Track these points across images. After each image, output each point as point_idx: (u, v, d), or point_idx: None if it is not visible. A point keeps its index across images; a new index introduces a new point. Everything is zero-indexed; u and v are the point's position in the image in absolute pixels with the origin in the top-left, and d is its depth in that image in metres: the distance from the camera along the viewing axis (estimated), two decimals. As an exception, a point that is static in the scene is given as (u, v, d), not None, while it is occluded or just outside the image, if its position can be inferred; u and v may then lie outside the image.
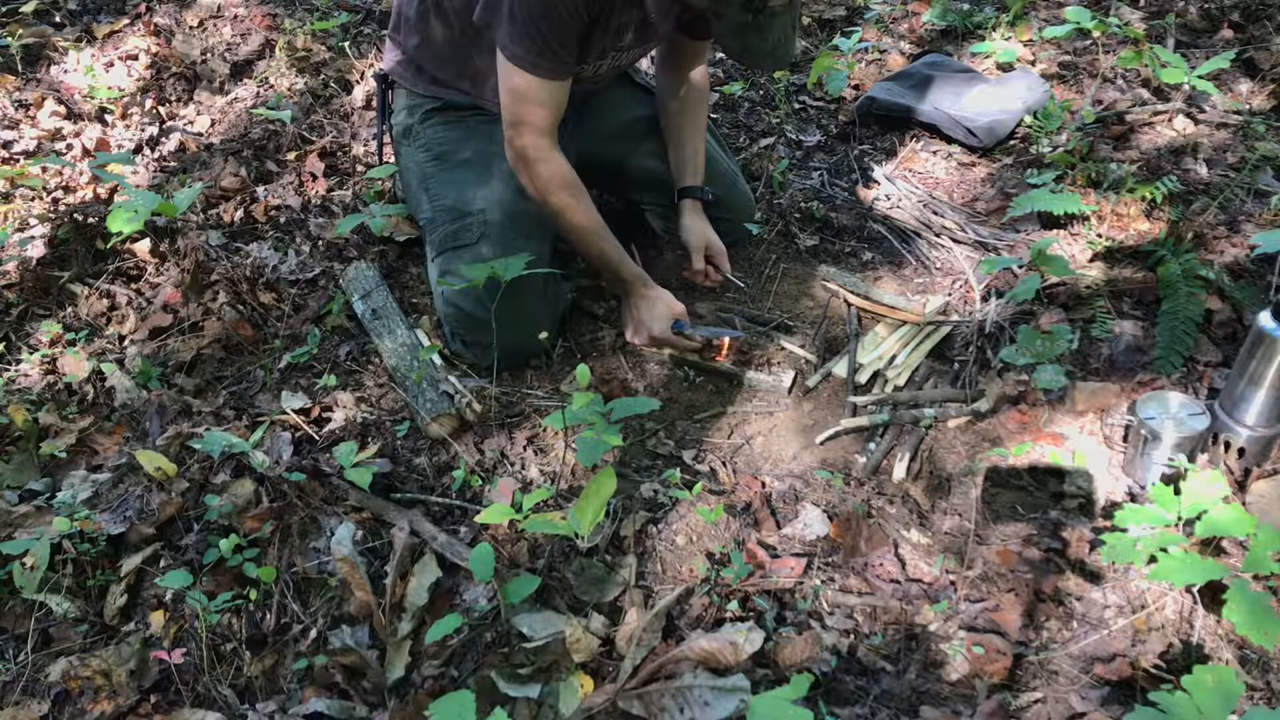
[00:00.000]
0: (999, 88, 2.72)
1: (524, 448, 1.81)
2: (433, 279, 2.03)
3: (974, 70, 2.86)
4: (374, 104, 2.90)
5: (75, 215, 2.28)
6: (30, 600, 1.53)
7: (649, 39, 2.00)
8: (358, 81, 2.99)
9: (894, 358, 1.99)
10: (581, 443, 1.43)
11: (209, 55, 3.10)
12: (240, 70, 3.06)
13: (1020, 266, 2.08)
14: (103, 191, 2.44)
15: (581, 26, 1.78)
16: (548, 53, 1.76)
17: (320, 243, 2.32)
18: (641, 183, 2.26)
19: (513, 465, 1.77)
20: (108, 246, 2.25)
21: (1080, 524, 1.60)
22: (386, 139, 2.26)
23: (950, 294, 2.17)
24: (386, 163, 2.32)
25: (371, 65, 3.05)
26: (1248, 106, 2.67)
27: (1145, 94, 2.75)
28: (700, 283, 2.17)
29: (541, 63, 1.77)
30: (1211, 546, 1.42)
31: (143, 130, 2.75)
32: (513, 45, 1.76)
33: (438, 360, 1.96)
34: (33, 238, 2.26)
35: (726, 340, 1.97)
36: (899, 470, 1.74)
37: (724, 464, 1.79)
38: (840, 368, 1.98)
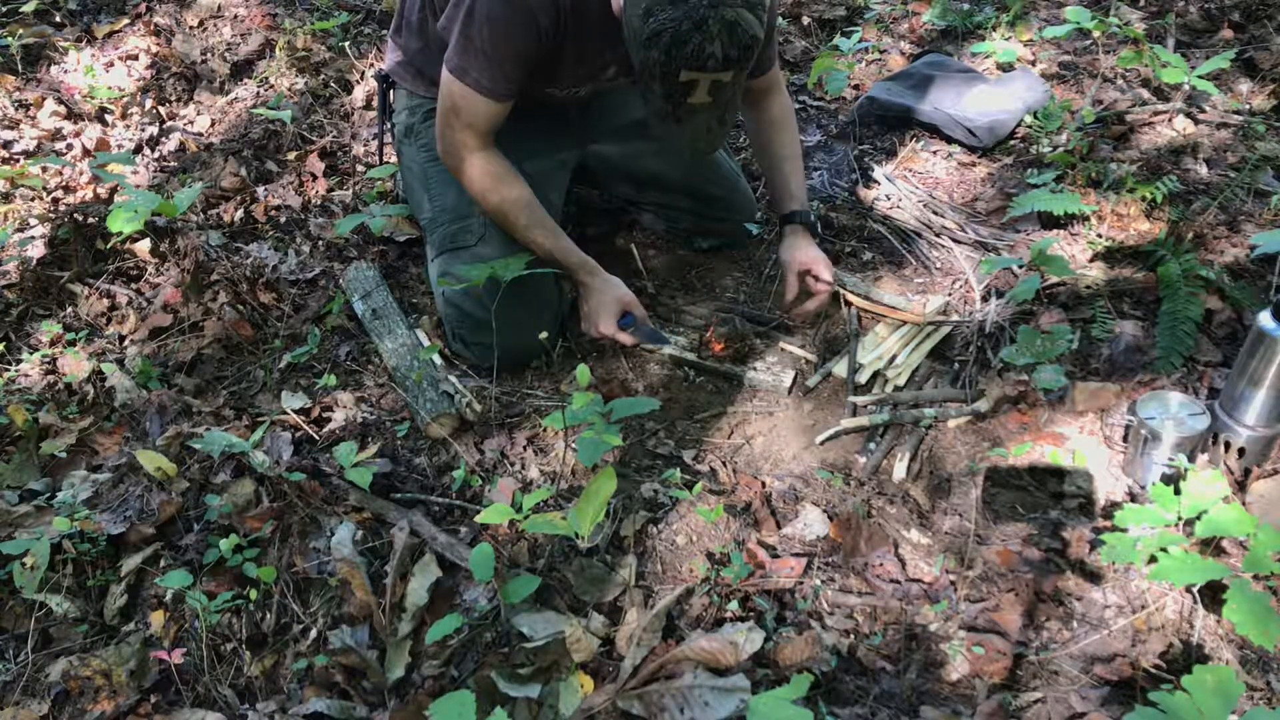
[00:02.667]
0: (999, 88, 2.72)
1: (524, 448, 1.81)
2: (433, 279, 2.03)
3: (974, 70, 2.85)
4: (374, 104, 2.91)
5: (75, 215, 2.28)
6: (30, 600, 1.53)
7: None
8: (358, 81, 2.99)
9: (894, 358, 1.99)
10: (581, 443, 1.43)
11: (209, 55, 3.10)
12: (240, 70, 3.06)
13: (1020, 266, 2.08)
14: (103, 191, 2.44)
15: (536, 56, 1.76)
16: (490, 75, 1.75)
17: (320, 243, 2.32)
18: (643, 183, 2.26)
19: (513, 465, 1.77)
20: (108, 246, 2.25)
21: (1080, 524, 1.60)
22: (387, 139, 2.26)
23: (950, 294, 2.17)
24: (387, 163, 2.33)
25: (372, 65, 3.05)
26: (1248, 106, 2.67)
27: (1145, 94, 2.75)
28: (802, 308, 2.03)
29: (483, 82, 1.75)
30: (1211, 546, 1.42)
31: (143, 130, 2.75)
32: (458, 59, 1.75)
33: (438, 360, 1.96)
34: (33, 238, 2.26)
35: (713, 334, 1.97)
36: (899, 470, 1.74)
37: (724, 464, 1.79)
38: (840, 368, 1.98)
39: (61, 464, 1.80)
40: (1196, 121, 2.60)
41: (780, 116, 2.11)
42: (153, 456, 1.69)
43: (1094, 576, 1.51)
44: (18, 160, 2.57)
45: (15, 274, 2.19)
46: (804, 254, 2.02)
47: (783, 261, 2.06)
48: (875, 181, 2.56)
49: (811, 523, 1.63)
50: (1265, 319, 1.54)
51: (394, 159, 2.26)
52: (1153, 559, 1.36)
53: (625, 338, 1.91)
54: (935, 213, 2.43)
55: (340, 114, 2.86)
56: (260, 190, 2.51)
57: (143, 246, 2.26)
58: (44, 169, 2.47)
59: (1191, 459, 1.59)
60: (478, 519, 1.46)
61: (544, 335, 1.79)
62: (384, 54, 2.28)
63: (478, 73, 1.75)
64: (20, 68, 2.92)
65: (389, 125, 2.21)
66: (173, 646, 1.46)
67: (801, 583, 1.52)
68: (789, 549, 1.59)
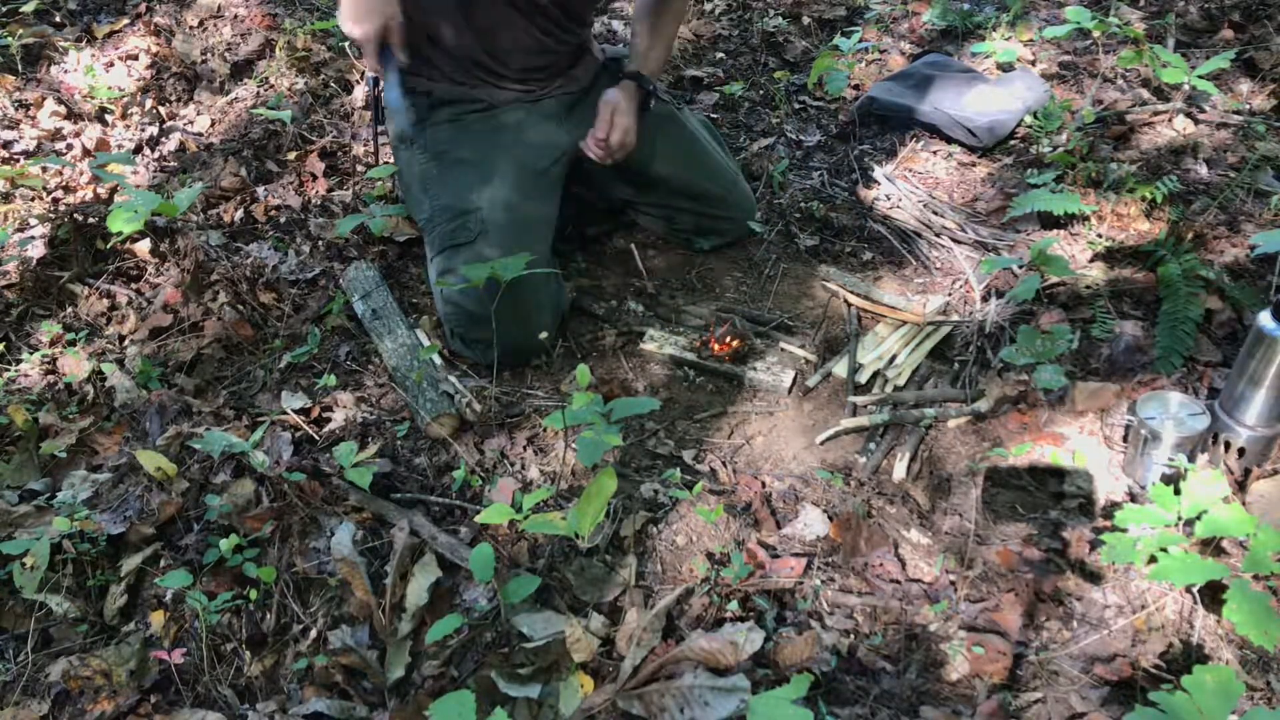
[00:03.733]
0: (999, 88, 2.72)
1: (524, 448, 1.81)
2: (432, 278, 2.03)
3: (974, 70, 2.86)
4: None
5: (75, 215, 2.28)
6: (30, 600, 1.53)
7: None
8: (358, 81, 2.99)
9: (894, 358, 1.99)
10: (581, 443, 1.43)
11: (209, 55, 3.10)
12: (240, 70, 3.06)
13: (1020, 266, 2.08)
14: (103, 191, 2.44)
15: None
16: None
17: (320, 243, 2.32)
18: (641, 184, 2.26)
19: (513, 465, 1.77)
20: (108, 246, 2.25)
21: (1080, 524, 1.60)
22: (382, 140, 2.26)
23: (950, 294, 2.17)
24: (386, 164, 2.32)
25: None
26: (1248, 106, 2.67)
27: (1145, 94, 2.75)
28: (596, 154, 2.08)
29: None
30: (1211, 546, 1.42)
31: (143, 130, 2.75)
32: None
33: (438, 360, 1.96)
34: (33, 238, 2.26)
35: (718, 336, 1.97)
36: (899, 470, 1.74)
37: (724, 464, 1.79)
38: (840, 368, 1.98)
39: (61, 464, 1.80)
40: (1196, 121, 2.60)
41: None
42: (153, 456, 1.69)
43: (1094, 576, 1.51)
44: (18, 160, 2.56)
45: (15, 274, 2.19)
46: (617, 98, 2.05)
47: (601, 101, 2.07)
48: (875, 181, 2.57)
49: (811, 523, 1.63)
50: (1265, 319, 1.54)
51: (391, 159, 2.26)
52: (1153, 559, 1.36)
53: (370, 58, 1.86)
54: (935, 213, 2.43)
55: (340, 114, 2.86)
56: (260, 190, 2.51)
57: (143, 246, 2.26)
58: (44, 169, 2.47)
59: (1191, 459, 1.59)
60: (478, 519, 1.46)
61: (544, 335, 1.79)
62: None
63: None
64: (20, 68, 2.91)
65: (381, 129, 2.20)
66: (173, 646, 1.46)
67: (801, 583, 1.52)
68: (789, 549, 1.59)
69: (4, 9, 3.21)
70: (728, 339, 1.98)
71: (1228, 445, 1.64)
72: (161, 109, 2.86)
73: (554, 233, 2.07)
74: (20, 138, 2.66)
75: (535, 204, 2.02)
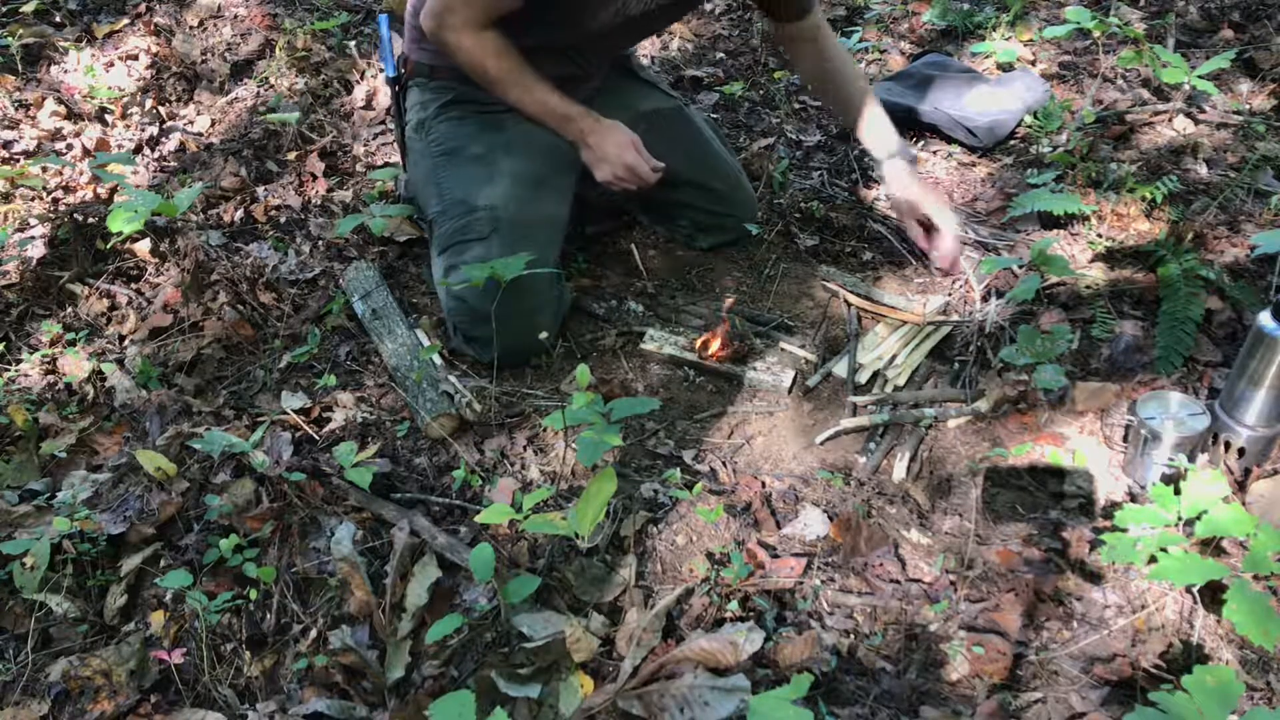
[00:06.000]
0: (999, 88, 2.72)
1: (524, 448, 1.81)
2: (437, 274, 2.02)
3: (974, 70, 2.86)
4: (374, 104, 2.90)
5: (75, 215, 2.29)
6: (30, 600, 1.53)
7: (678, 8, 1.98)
8: (358, 81, 2.99)
9: (894, 358, 1.99)
10: (581, 443, 1.43)
11: (209, 55, 3.10)
12: (240, 70, 3.07)
13: (1020, 266, 2.08)
14: (103, 191, 2.44)
15: None
16: None
17: (320, 243, 2.32)
18: None
19: (513, 465, 1.77)
20: (108, 246, 2.25)
21: (1080, 524, 1.60)
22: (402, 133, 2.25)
23: (950, 294, 2.17)
24: (387, 164, 2.32)
25: (371, 65, 3.05)
26: (1248, 106, 2.67)
27: (1145, 94, 2.75)
28: (940, 265, 2.08)
29: None
30: (1211, 546, 1.42)
31: (143, 130, 2.75)
32: None
33: (438, 360, 1.96)
34: (33, 238, 2.26)
35: (720, 337, 1.97)
36: (899, 470, 1.74)
37: (724, 464, 1.79)
38: (840, 368, 1.98)
39: (61, 464, 1.80)
40: (1196, 121, 2.60)
41: (840, 54, 2.12)
42: (153, 456, 1.69)
43: (1094, 576, 1.51)
44: (18, 160, 2.57)
45: (15, 274, 2.19)
46: (913, 192, 2.04)
47: (899, 209, 2.08)
48: (875, 181, 2.57)
49: (811, 523, 1.63)
50: (1265, 319, 1.53)
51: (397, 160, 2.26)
52: (1153, 559, 1.36)
53: (650, 168, 1.91)
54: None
55: (340, 114, 2.86)
56: (260, 190, 2.51)
57: (143, 246, 2.26)
58: (44, 169, 2.47)
59: (1191, 459, 1.59)
60: (478, 519, 1.46)
61: (544, 335, 1.79)
62: (402, 37, 2.25)
63: None
64: (20, 68, 2.92)
65: (403, 121, 2.19)
66: (173, 646, 1.46)
67: (801, 583, 1.52)
68: (789, 549, 1.59)
69: (4, 9, 3.21)
70: (726, 342, 1.97)
71: (1228, 445, 1.64)
72: (161, 109, 2.86)
73: (564, 232, 2.07)
74: (20, 138, 2.66)
75: (548, 204, 2.02)
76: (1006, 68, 2.90)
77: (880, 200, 2.48)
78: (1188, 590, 1.42)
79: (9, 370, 2.00)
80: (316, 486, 1.66)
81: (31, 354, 2.02)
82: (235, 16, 3.26)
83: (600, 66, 2.10)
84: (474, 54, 1.88)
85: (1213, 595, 1.37)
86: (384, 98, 2.89)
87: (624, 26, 1.98)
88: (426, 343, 1.99)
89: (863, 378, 1.95)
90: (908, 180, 2.08)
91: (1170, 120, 2.61)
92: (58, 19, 3.23)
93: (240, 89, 2.96)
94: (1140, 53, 2.60)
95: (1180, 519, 1.40)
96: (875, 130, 2.13)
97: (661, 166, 1.96)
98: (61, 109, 2.78)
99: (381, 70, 2.93)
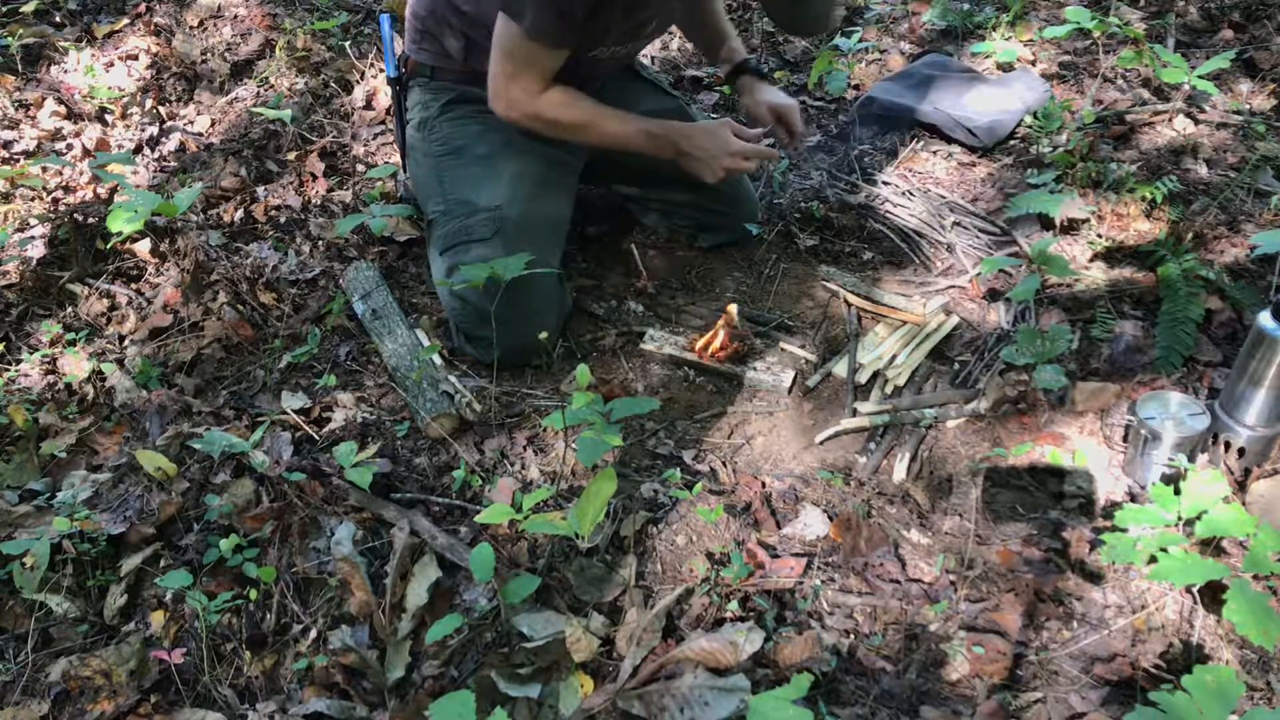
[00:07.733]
0: (999, 88, 2.72)
1: (524, 448, 1.81)
2: (438, 273, 2.01)
3: (974, 70, 2.86)
4: (374, 104, 2.90)
5: (75, 215, 2.29)
6: (30, 600, 1.53)
7: (666, 27, 2.01)
8: (358, 81, 2.99)
9: (894, 358, 1.99)
10: (581, 443, 1.43)
11: (209, 55, 3.10)
12: (240, 70, 3.06)
13: (1020, 266, 2.08)
14: (103, 191, 2.44)
15: (592, 4, 1.75)
16: (550, 18, 1.73)
17: (320, 243, 2.32)
18: (647, 177, 2.25)
19: (513, 465, 1.77)
20: (108, 246, 2.25)
21: (1080, 524, 1.60)
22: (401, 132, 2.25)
23: (950, 294, 2.17)
24: (386, 163, 2.32)
25: (371, 65, 3.05)
26: (1248, 106, 2.67)
27: (1145, 94, 2.75)
28: (783, 143, 2.17)
29: (544, 27, 1.75)
30: (1211, 546, 1.42)
31: (143, 130, 2.75)
32: (517, 3, 1.74)
33: (438, 360, 1.96)
34: (33, 238, 2.26)
35: (721, 335, 1.97)
36: (899, 470, 1.74)
37: (724, 464, 1.79)
38: (840, 368, 1.98)
39: (61, 464, 1.81)
40: (1196, 121, 2.60)
41: None
42: (153, 456, 1.69)
43: (1094, 576, 1.51)
44: (18, 160, 2.57)
45: (15, 274, 2.19)
46: (774, 97, 2.14)
47: (755, 112, 2.14)
48: (875, 182, 2.56)
49: (811, 523, 1.63)
50: (1265, 319, 1.54)
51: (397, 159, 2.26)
52: (1153, 559, 1.36)
53: (764, 151, 1.96)
54: (936, 213, 2.43)
55: (340, 114, 2.86)
56: (260, 190, 2.51)
57: (143, 246, 2.26)
58: (44, 169, 2.47)
59: (1191, 459, 1.59)
60: (478, 519, 1.46)
61: (544, 335, 1.79)
62: (403, 37, 2.24)
63: (535, 14, 1.73)
64: (20, 68, 2.92)
65: (404, 119, 2.19)
66: (173, 646, 1.46)
67: (801, 583, 1.52)
68: (789, 549, 1.59)
69: (4, 9, 3.21)
70: (726, 341, 1.97)
71: (1228, 445, 1.64)
72: (161, 109, 2.86)
73: (565, 232, 2.06)
74: (20, 138, 2.66)
75: (551, 204, 2.02)
76: (1006, 68, 2.90)
77: (880, 200, 2.48)
78: (1188, 590, 1.42)
79: (9, 370, 2.00)
80: (316, 486, 1.66)
81: (31, 354, 2.02)
82: (235, 16, 3.26)
83: (607, 72, 2.10)
84: (550, 115, 1.91)
85: (1213, 595, 1.37)
86: (384, 98, 2.89)
87: (637, 43, 2.02)
88: (426, 343, 1.99)
89: (863, 378, 1.95)
90: (763, 87, 2.18)
91: (1170, 120, 2.61)
92: (58, 19, 3.24)
93: (240, 89, 2.96)
94: (1140, 53, 2.60)
95: (1180, 519, 1.40)
96: (730, 50, 2.25)
97: (759, 133, 2.00)
98: (61, 109, 2.78)
99: (381, 70, 2.94)
